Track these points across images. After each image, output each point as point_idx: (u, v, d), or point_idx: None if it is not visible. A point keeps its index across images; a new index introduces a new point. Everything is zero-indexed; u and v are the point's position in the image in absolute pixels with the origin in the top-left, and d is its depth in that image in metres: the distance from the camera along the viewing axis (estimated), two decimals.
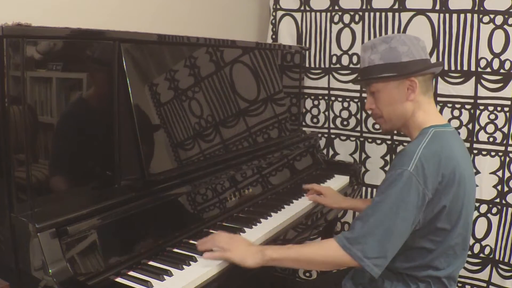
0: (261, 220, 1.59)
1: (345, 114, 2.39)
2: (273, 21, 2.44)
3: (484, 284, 2.19)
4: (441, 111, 2.14)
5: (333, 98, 2.40)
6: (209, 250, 1.30)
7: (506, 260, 2.12)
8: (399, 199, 1.23)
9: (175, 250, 1.34)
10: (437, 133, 1.35)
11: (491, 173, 2.10)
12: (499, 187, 2.10)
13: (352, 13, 2.27)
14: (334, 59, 2.35)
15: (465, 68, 2.07)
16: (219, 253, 1.28)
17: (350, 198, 2.00)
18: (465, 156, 1.41)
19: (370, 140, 2.35)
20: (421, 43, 1.43)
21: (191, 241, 1.40)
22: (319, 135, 2.41)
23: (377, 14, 2.20)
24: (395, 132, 2.22)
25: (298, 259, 1.30)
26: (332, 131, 2.44)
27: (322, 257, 1.28)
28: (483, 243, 2.16)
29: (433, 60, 2.09)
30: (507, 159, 2.07)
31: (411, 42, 1.40)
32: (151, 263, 1.26)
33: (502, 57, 1.99)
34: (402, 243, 1.27)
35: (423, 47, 1.42)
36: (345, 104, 2.37)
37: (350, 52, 2.30)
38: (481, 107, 2.07)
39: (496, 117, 2.05)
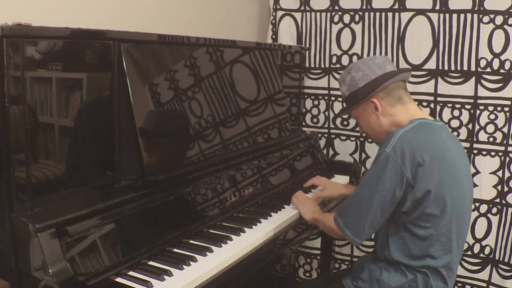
0: (261, 220, 1.59)
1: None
2: (273, 21, 2.44)
3: (484, 284, 2.19)
4: (441, 111, 2.14)
5: (333, 98, 2.40)
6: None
7: (506, 260, 2.12)
8: (377, 177, 1.34)
9: (175, 250, 1.34)
10: (423, 123, 1.41)
11: (491, 173, 2.10)
12: (499, 187, 2.10)
13: (352, 13, 2.27)
14: (334, 59, 2.35)
15: (465, 68, 2.07)
16: (295, 202, 1.73)
17: (350, 185, 2.01)
18: (455, 147, 1.44)
19: (370, 140, 2.35)
20: (377, 59, 1.50)
21: (191, 241, 1.40)
22: (319, 135, 2.41)
23: (377, 14, 2.20)
24: None
25: (323, 225, 1.58)
26: (332, 131, 2.44)
27: (330, 227, 1.51)
28: (483, 243, 2.16)
29: (433, 60, 2.10)
30: (507, 159, 2.07)
31: (365, 65, 1.49)
32: (151, 263, 1.26)
33: (502, 57, 1.99)
34: (382, 218, 1.37)
35: (379, 63, 1.48)
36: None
37: (350, 52, 2.30)
38: (481, 107, 2.07)
39: (496, 117, 2.05)
